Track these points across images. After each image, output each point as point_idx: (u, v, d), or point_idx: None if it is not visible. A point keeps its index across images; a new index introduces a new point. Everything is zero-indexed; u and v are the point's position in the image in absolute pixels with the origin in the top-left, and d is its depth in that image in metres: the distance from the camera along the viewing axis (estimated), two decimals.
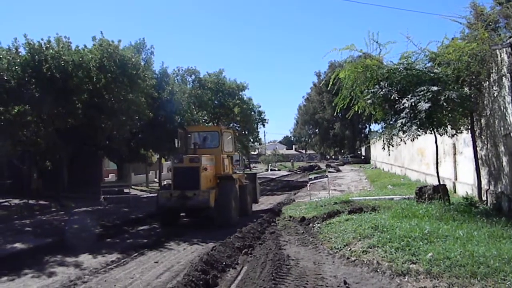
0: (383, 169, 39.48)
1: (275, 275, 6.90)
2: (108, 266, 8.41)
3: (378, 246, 8.02)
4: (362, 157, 69.60)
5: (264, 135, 68.69)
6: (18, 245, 10.30)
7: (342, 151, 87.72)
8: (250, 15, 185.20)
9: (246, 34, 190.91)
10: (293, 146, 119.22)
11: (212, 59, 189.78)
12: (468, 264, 6.36)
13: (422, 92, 10.29)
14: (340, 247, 8.69)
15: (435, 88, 10.28)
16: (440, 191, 12.04)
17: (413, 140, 11.32)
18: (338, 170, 45.14)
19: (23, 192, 19.46)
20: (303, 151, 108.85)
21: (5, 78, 16.06)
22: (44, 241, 10.82)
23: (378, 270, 7.10)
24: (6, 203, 18.43)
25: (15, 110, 17.05)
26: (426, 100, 10.15)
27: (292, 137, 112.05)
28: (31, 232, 12.21)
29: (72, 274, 8.00)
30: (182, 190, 12.53)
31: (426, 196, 12.37)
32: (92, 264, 8.66)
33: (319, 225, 11.35)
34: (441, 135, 12.61)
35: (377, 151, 47.15)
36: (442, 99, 10.21)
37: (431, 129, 11.43)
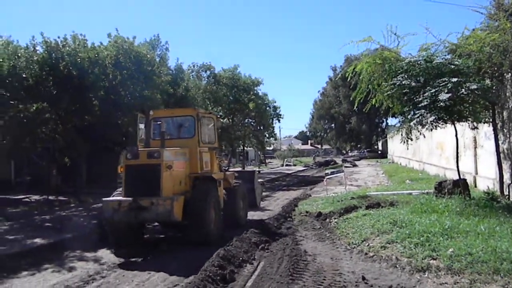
0: (400, 164, 39.03)
1: (292, 270, 6.84)
2: (126, 261, 8.46)
3: (397, 242, 7.87)
4: (379, 152, 68.92)
5: (280, 130, 68.78)
6: (38, 240, 10.42)
7: (359, 145, 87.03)
8: (264, 13, 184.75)
9: (262, 30, 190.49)
10: (309, 141, 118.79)
11: (227, 55, 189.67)
12: (491, 260, 6.19)
13: (442, 83, 10.07)
14: (358, 243, 8.58)
15: (455, 79, 10.06)
16: (461, 186, 11.79)
17: (431, 130, 11.12)
18: (355, 165, 44.77)
19: (42, 188, 19.72)
20: (319, 146, 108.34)
21: (24, 76, 16.28)
22: (64, 237, 10.92)
23: (397, 265, 6.97)
24: (26, 199, 18.72)
25: (34, 108, 17.28)
26: (446, 91, 9.93)
27: (308, 132, 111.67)
28: (51, 227, 12.36)
29: (91, 269, 8.07)
30: (136, 197, 8.93)
31: (446, 190, 12.11)
32: (111, 259, 8.72)
33: (336, 220, 11.23)
34: (467, 126, 12.31)
35: (395, 145, 46.65)
36: (462, 90, 10.00)
37: (450, 121, 11.19)
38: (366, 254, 7.86)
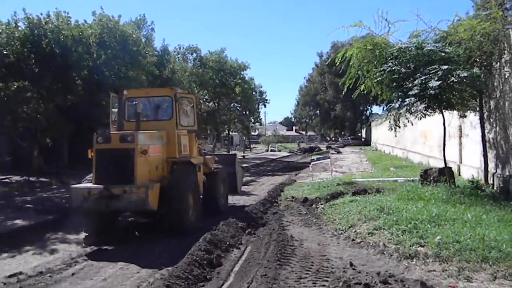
0: (384, 151, 39.34)
1: (279, 255, 6.76)
2: (110, 244, 8.31)
3: (384, 228, 7.88)
4: (363, 139, 69.51)
5: (265, 116, 68.79)
6: (19, 221, 10.20)
7: (343, 132, 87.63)
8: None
9: (248, 14, 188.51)
10: (294, 127, 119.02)
11: (213, 39, 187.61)
12: (479, 248, 6.22)
13: (433, 71, 10.01)
14: (345, 229, 8.57)
15: (445, 66, 10.01)
16: (446, 174, 11.85)
17: (420, 119, 11.10)
18: (339, 152, 44.98)
19: (24, 169, 19.31)
20: (304, 132, 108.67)
21: (5, 52, 15.78)
22: (46, 218, 10.72)
23: (385, 252, 6.97)
24: (6, 180, 18.31)
25: (15, 86, 16.79)
26: (436, 79, 9.89)
27: (293, 118, 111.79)
28: (32, 209, 12.09)
29: (73, 251, 7.94)
30: (107, 185, 8.28)
31: (432, 178, 12.17)
32: (94, 241, 8.54)
33: (322, 206, 11.20)
34: (458, 116, 12.34)
35: (378, 133, 47.00)
36: (452, 78, 9.96)
37: (439, 109, 11.19)
38: (353, 240, 7.85)
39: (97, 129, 9.28)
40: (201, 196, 10.27)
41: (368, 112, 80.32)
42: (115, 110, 9.98)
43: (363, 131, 77.20)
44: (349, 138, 73.65)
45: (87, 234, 8.77)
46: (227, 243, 7.49)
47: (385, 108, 13.83)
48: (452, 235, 6.89)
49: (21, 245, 8.37)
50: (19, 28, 16.54)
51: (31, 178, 18.01)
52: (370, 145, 56.64)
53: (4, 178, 18.59)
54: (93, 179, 8.68)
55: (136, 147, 8.46)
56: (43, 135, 19.60)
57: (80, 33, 17.10)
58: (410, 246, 6.86)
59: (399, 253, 6.77)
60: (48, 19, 16.94)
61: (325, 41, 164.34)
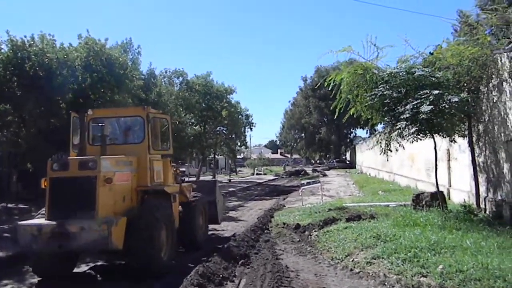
0: (369, 174, 39.36)
1: None
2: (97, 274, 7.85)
3: (383, 257, 7.60)
4: (348, 162, 69.69)
5: (250, 139, 68.23)
6: None
7: (328, 155, 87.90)
8: (237, 22, 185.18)
9: (233, 40, 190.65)
10: (279, 150, 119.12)
11: (199, 63, 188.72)
12: (484, 278, 5.99)
13: (424, 95, 9.99)
14: (342, 258, 8.28)
15: (436, 91, 10.00)
16: (439, 198, 11.73)
17: (412, 142, 11.05)
18: (325, 175, 44.92)
19: (1, 195, 18.60)
20: (289, 156, 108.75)
21: None
22: None
23: (386, 283, 6.71)
24: None
25: None
26: (428, 103, 9.86)
27: (278, 141, 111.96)
28: (9, 238, 11.48)
29: (54, 285, 7.43)
30: (61, 221, 7.06)
31: (424, 203, 12.07)
32: (80, 271, 8.08)
33: (316, 233, 10.89)
34: (448, 139, 12.34)
35: (363, 156, 47.13)
36: (443, 103, 9.96)
37: (430, 133, 11.14)
38: (351, 270, 7.58)
39: (52, 154, 8.18)
40: (177, 229, 9.01)
41: (352, 135, 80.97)
42: (75, 133, 8.85)
43: (348, 154, 77.57)
44: (334, 161, 73.83)
45: (39, 279, 7.64)
46: (221, 275, 7.10)
47: (376, 132, 13.77)
48: (455, 264, 6.65)
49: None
50: (2, 51, 16.16)
51: (9, 205, 17.33)
52: (355, 167, 56.76)
53: None
54: (46, 213, 7.40)
55: (98, 174, 7.29)
56: (23, 160, 18.97)
57: (65, 56, 16.76)
58: (412, 276, 6.60)
59: (401, 284, 6.51)
60: (32, 42, 16.59)
61: (309, 65, 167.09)
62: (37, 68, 15.95)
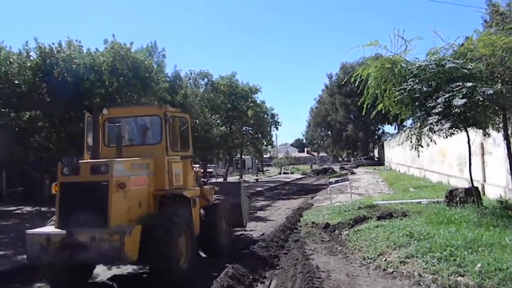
0: (399, 171, 38.62)
1: None
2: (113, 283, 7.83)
3: (417, 256, 7.35)
4: (376, 159, 68.67)
5: (276, 138, 68.11)
6: None
7: (355, 153, 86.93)
8: (260, 22, 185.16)
9: (258, 40, 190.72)
10: (305, 149, 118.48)
11: (224, 63, 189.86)
12: None
13: (456, 88, 9.61)
14: (374, 257, 8.05)
15: (470, 84, 9.61)
16: (474, 194, 11.32)
17: (446, 137, 10.66)
18: (353, 173, 44.31)
19: (35, 199, 19.07)
20: (316, 154, 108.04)
21: (16, 82, 15.75)
22: None
23: (421, 283, 6.48)
24: (18, 211, 18.07)
25: (27, 116, 16.72)
26: (461, 96, 9.48)
27: (304, 140, 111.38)
28: None
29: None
30: (71, 230, 6.59)
31: (458, 199, 11.67)
32: (107, 274, 8.09)
33: (346, 232, 10.66)
34: (482, 133, 11.91)
35: (392, 152, 46.28)
36: (477, 95, 9.56)
37: (464, 128, 10.75)
38: (384, 270, 7.35)
39: (63, 157, 8.01)
40: (198, 235, 8.57)
41: (380, 132, 79.79)
42: (89, 133, 8.35)
43: (376, 151, 76.45)
44: (362, 158, 72.93)
45: None
46: (251, 277, 7.00)
47: (405, 127, 13.40)
48: (493, 262, 6.37)
49: (32, 281, 7.94)
50: (31, 58, 16.56)
51: (42, 209, 17.74)
52: (383, 164, 55.85)
53: (16, 209, 18.37)
54: (56, 221, 6.94)
55: (110, 179, 6.75)
56: (55, 164, 19.42)
57: (92, 61, 17.04)
58: (449, 276, 6.34)
59: (437, 284, 6.27)
60: (59, 48, 16.95)
61: (334, 62, 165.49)
62: (65, 74, 16.27)
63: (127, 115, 9.04)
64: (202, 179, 10.30)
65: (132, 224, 6.89)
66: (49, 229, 6.97)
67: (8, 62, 15.76)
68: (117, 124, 8.59)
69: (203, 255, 9.23)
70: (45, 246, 6.55)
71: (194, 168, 9.65)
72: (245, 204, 11.87)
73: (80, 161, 7.43)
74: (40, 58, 16.44)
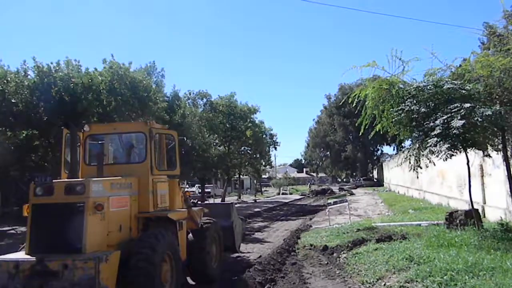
0: (398, 192, 38.42)
1: None
2: None
3: (417, 281, 7.15)
4: (375, 180, 68.39)
5: (275, 158, 68.21)
6: None
7: (354, 173, 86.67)
8: (259, 43, 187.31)
9: (256, 61, 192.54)
10: (304, 169, 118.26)
11: (222, 83, 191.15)
12: None
13: (455, 109, 9.57)
14: (373, 281, 7.86)
15: (468, 104, 9.57)
16: (474, 216, 11.16)
17: (446, 159, 10.56)
18: (352, 194, 44.05)
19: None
20: (314, 174, 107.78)
21: (13, 101, 15.73)
22: None
23: None
24: (12, 231, 17.80)
25: (24, 134, 16.65)
26: (459, 117, 9.43)
27: (303, 160, 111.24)
28: None
29: None
30: (43, 255, 6.01)
31: (458, 222, 11.51)
32: None
33: (345, 255, 10.48)
34: (481, 154, 11.82)
35: (391, 173, 46.14)
36: (476, 116, 9.50)
37: (463, 149, 10.66)
38: None
39: (35, 176, 7.20)
40: (186, 261, 8.19)
41: (379, 152, 79.76)
42: (67, 151, 7.82)
43: (375, 172, 76.25)
44: (361, 179, 72.64)
45: None
46: None
47: (403, 148, 13.31)
48: (495, 287, 6.18)
49: None
50: (29, 77, 16.61)
51: None
52: (382, 185, 55.61)
53: (10, 229, 18.11)
54: (26, 246, 6.32)
55: (86, 200, 6.21)
56: None
57: (90, 81, 17.08)
58: None
59: None
60: (58, 67, 17.02)
61: (333, 83, 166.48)
62: (63, 93, 16.29)
63: (110, 132, 8.51)
64: (191, 200, 9.81)
65: (111, 249, 6.34)
66: (19, 255, 6.37)
67: (5, 81, 15.78)
68: (99, 142, 8.01)
69: (192, 282, 8.66)
70: (13, 274, 5.92)
71: (182, 189, 9.11)
72: (238, 226, 11.33)
73: (54, 180, 6.85)
74: (38, 77, 16.50)
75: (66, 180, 6.91)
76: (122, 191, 7.03)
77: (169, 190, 8.19)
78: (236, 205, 35.24)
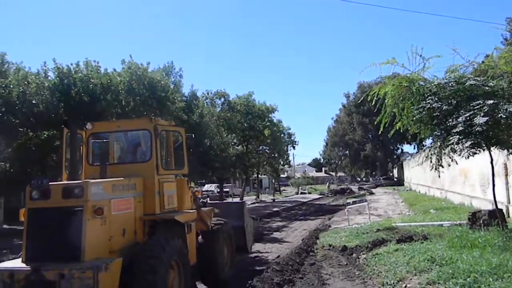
0: (419, 192, 37.80)
1: None
2: None
3: (439, 283, 6.95)
4: (395, 179, 67.50)
5: (293, 158, 68.02)
6: None
7: (374, 173, 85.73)
8: (277, 41, 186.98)
9: (274, 60, 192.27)
10: (323, 169, 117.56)
11: (240, 82, 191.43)
12: None
13: (477, 106, 9.30)
14: (393, 283, 7.65)
15: (491, 101, 9.29)
16: (498, 217, 10.85)
17: (468, 157, 10.28)
18: (371, 193, 43.51)
19: None
20: (333, 174, 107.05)
21: (34, 102, 15.99)
22: None
23: None
24: None
25: (45, 135, 16.92)
26: (482, 114, 9.16)
27: (322, 159, 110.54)
28: None
29: None
30: (39, 263, 5.61)
31: (481, 222, 11.19)
32: None
33: (364, 256, 10.29)
34: (506, 152, 11.48)
35: (412, 172, 45.44)
36: (500, 113, 9.22)
37: (487, 147, 10.37)
38: None
39: (32, 178, 6.33)
40: (196, 265, 7.88)
41: (399, 151, 78.68)
42: (67, 150, 7.33)
43: (395, 171, 75.27)
44: (381, 178, 71.80)
45: None
46: None
47: (424, 147, 13.04)
48: None
49: None
50: (49, 78, 16.87)
51: None
52: (402, 185, 54.84)
53: None
54: (23, 254, 5.93)
55: (85, 203, 5.78)
56: None
57: (109, 81, 17.27)
58: None
59: None
60: (77, 68, 17.25)
61: (351, 82, 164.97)
62: (82, 94, 16.50)
63: (114, 130, 8.05)
64: (201, 200, 9.48)
65: (113, 255, 5.97)
66: (16, 263, 6.03)
67: (26, 82, 16.05)
68: (103, 141, 7.59)
69: (203, 287, 8.43)
70: (8, 283, 5.55)
71: (191, 189, 8.66)
72: (249, 226, 10.90)
73: (51, 183, 6.21)
74: (58, 78, 16.76)
75: (63, 182, 6.48)
76: (125, 192, 6.65)
77: (177, 190, 7.82)
78: (254, 205, 35.52)
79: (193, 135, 12.94)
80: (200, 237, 8.36)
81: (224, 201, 29.56)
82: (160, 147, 7.31)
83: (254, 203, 39.30)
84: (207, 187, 47.83)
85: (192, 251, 7.59)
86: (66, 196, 5.85)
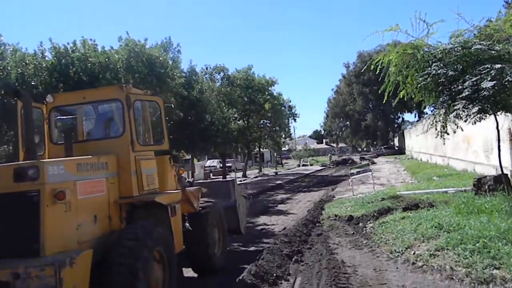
0: (421, 160, 37.86)
1: (334, 287, 6.03)
2: None
3: (447, 249, 7.01)
4: (396, 148, 67.59)
5: (294, 130, 67.88)
6: None
7: (375, 142, 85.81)
8: (274, 14, 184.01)
9: (272, 32, 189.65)
10: (324, 140, 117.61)
11: (239, 56, 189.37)
12: None
13: (484, 71, 9.16)
14: (401, 251, 7.73)
15: (498, 65, 9.14)
16: (503, 181, 10.85)
17: (475, 123, 10.20)
18: (373, 163, 43.64)
19: None
20: (334, 145, 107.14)
21: (33, 83, 15.73)
22: None
23: (454, 277, 6.15)
24: None
25: None
26: (489, 79, 9.02)
27: (323, 131, 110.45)
28: None
29: None
30: None
31: (486, 187, 11.22)
32: None
33: (371, 224, 10.36)
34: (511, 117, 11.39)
35: (413, 140, 45.40)
36: (507, 77, 9.09)
37: (493, 112, 10.27)
38: (413, 264, 7.02)
39: None
40: (182, 251, 7.03)
41: (399, 120, 78.56)
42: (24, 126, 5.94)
43: (396, 140, 75.31)
44: (382, 147, 71.90)
45: None
46: (274, 274, 6.75)
47: (426, 115, 12.93)
48: None
49: None
50: (46, 58, 16.54)
51: None
52: (404, 153, 54.92)
53: None
54: None
55: (42, 187, 4.75)
56: None
57: (107, 59, 16.94)
58: (483, 269, 6.01)
59: (471, 278, 5.94)
60: (74, 48, 16.88)
61: (351, 52, 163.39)
62: (81, 73, 16.22)
63: (79, 102, 6.86)
64: (186, 179, 8.60)
65: (83, 247, 5.02)
66: None
67: (23, 64, 15.74)
68: (65, 116, 6.60)
69: (193, 274, 7.78)
70: None
71: (175, 167, 7.79)
72: (242, 206, 10.05)
73: (0, 164, 5.30)
74: (55, 58, 16.42)
75: (14, 163, 5.30)
76: (94, 173, 5.63)
77: (158, 169, 6.82)
78: (257, 178, 35.51)
79: (172, 105, 11.11)
80: (187, 220, 7.53)
81: (228, 176, 29.42)
82: (134, 120, 6.25)
83: (257, 176, 39.49)
84: (209, 162, 48.05)
85: (178, 236, 6.75)
86: (18, 179, 4.79)
